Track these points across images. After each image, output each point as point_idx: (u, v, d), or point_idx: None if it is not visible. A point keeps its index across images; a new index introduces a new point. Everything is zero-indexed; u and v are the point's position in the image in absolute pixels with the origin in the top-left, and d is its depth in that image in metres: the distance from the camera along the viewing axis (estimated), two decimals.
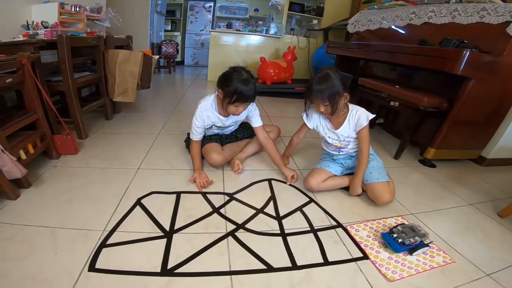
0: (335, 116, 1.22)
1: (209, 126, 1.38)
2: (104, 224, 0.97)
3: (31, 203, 1.06)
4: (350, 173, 1.35)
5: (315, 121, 1.32)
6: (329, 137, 1.30)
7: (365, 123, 1.17)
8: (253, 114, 1.40)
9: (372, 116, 1.19)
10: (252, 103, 1.33)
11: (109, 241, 0.90)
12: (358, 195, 1.28)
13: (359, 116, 1.18)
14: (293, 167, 1.54)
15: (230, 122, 1.42)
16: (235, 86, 1.15)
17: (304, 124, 1.35)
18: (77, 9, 2.05)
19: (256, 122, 1.40)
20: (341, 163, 1.35)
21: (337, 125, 1.25)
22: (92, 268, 0.79)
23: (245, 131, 1.61)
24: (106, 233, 0.93)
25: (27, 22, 1.73)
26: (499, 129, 1.75)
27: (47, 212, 1.02)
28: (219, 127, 1.42)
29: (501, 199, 1.42)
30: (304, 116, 1.32)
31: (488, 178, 1.66)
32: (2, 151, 0.99)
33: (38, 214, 1.00)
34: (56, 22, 1.84)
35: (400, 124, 2.20)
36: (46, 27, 1.75)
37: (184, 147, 1.64)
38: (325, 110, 1.16)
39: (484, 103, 1.59)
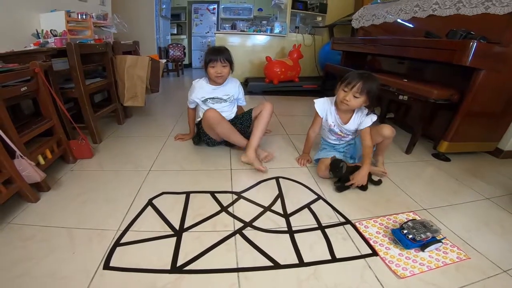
0: (346, 112, 1.35)
1: (203, 98, 1.57)
2: (118, 224, 1.01)
3: (50, 206, 1.11)
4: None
5: (326, 110, 1.41)
6: (335, 126, 1.41)
7: (368, 124, 1.31)
8: (240, 93, 1.68)
9: (375, 118, 1.33)
10: (236, 80, 1.65)
11: (123, 240, 0.93)
12: (362, 188, 1.28)
13: (364, 117, 1.32)
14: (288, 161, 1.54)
15: (223, 95, 1.59)
16: (207, 53, 1.51)
17: (317, 116, 1.45)
18: (84, 16, 2.11)
19: (242, 101, 1.74)
20: (343, 151, 1.47)
21: (345, 121, 1.37)
22: (106, 266, 0.83)
23: (244, 123, 1.64)
24: (120, 232, 0.97)
25: (37, 31, 1.79)
26: None
27: (65, 214, 1.06)
28: (212, 98, 1.58)
29: None
30: (317, 104, 1.42)
31: (506, 171, 1.60)
32: (21, 156, 1.05)
33: (57, 216, 1.05)
34: (64, 30, 1.90)
35: (411, 118, 2.16)
36: (55, 35, 1.81)
37: (193, 146, 1.72)
38: (350, 100, 1.25)
39: (497, 93, 1.54)
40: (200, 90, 1.58)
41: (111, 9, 2.83)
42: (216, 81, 1.54)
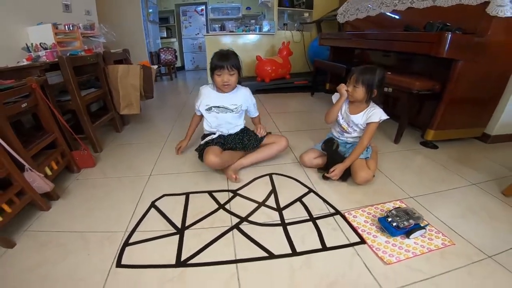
0: (356, 105, 1.37)
1: (208, 106, 1.48)
2: (125, 226, 1.08)
3: (61, 213, 1.19)
4: None
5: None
6: (342, 118, 1.43)
7: (375, 119, 1.29)
8: (250, 104, 1.56)
9: (385, 117, 1.31)
10: (247, 89, 1.54)
11: (131, 240, 1.01)
12: (342, 180, 1.35)
13: (373, 113, 1.31)
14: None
15: (230, 104, 1.47)
16: (213, 59, 1.39)
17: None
18: (71, 27, 2.09)
19: (253, 113, 1.64)
20: (344, 150, 1.44)
21: (353, 112, 1.38)
22: (119, 264, 0.91)
23: (252, 141, 1.51)
24: (127, 233, 1.04)
25: (27, 45, 1.79)
26: (499, 105, 1.74)
27: (76, 219, 1.14)
28: (217, 107, 1.47)
29: (507, 177, 1.38)
30: (334, 96, 1.45)
31: (494, 156, 1.62)
32: (30, 169, 1.12)
33: (69, 222, 1.13)
34: (53, 43, 1.89)
35: (398, 109, 2.23)
36: (46, 48, 1.81)
37: (190, 149, 1.75)
38: (351, 91, 1.31)
39: (477, 82, 1.59)
40: (206, 97, 1.49)
41: (97, 19, 2.81)
42: (222, 89, 1.44)
